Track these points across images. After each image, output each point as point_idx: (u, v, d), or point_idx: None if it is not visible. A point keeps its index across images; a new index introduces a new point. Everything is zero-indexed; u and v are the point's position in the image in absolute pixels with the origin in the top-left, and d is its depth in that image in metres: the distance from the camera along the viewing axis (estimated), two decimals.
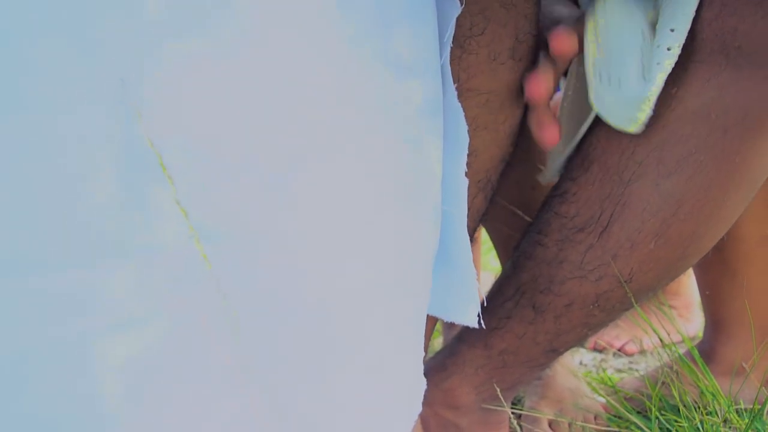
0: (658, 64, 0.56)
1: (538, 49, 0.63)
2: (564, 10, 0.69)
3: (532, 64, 0.62)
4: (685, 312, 1.12)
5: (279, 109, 0.41)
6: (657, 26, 0.58)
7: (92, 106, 0.38)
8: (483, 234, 1.05)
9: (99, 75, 0.38)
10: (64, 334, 0.38)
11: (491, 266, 1.48)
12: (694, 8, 0.56)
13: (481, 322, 0.53)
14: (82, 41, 0.38)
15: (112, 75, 0.38)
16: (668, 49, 0.56)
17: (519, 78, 0.61)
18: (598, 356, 1.06)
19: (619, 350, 1.06)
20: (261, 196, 0.41)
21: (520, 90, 0.61)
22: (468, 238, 0.53)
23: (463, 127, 0.52)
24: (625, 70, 0.58)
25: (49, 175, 0.38)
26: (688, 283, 1.11)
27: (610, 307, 0.64)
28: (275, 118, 0.41)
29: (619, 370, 1.01)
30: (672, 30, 0.56)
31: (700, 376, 0.76)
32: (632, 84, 0.58)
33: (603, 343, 1.07)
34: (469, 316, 0.53)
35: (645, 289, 0.64)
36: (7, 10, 0.37)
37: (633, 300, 0.63)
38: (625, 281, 0.62)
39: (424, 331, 0.51)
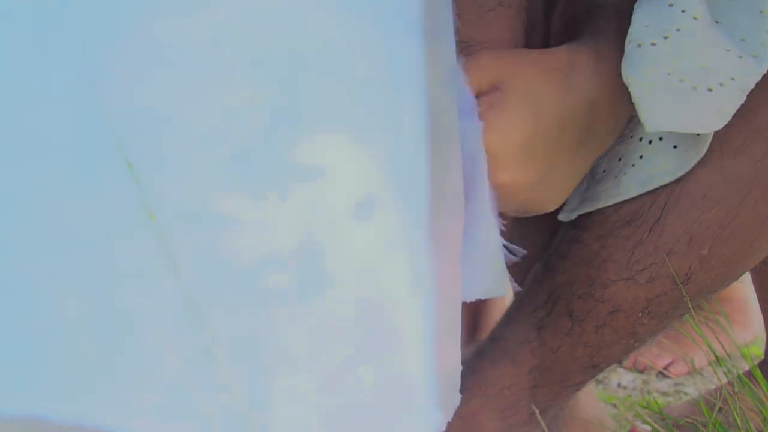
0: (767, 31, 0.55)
1: None
2: None
3: (525, 12, 0.62)
4: (739, 317, 1.06)
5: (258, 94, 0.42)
6: None
7: (57, 92, 0.40)
8: None
9: (64, 63, 0.39)
10: None
11: None
12: None
13: (515, 285, 0.54)
14: (49, 29, 0.39)
15: (78, 64, 0.39)
16: None
17: (510, 27, 0.60)
18: (640, 377, 1.03)
19: (663, 370, 1.01)
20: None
21: (513, 44, 0.61)
22: (489, 207, 0.53)
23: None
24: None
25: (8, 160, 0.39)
26: (738, 283, 1.03)
27: (662, 313, 0.61)
28: (246, 101, 0.42)
29: (665, 393, 0.98)
30: None
31: (764, 399, 0.70)
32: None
33: (645, 362, 1.02)
34: (499, 289, 0.52)
35: (704, 290, 0.61)
36: None
37: (690, 305, 0.61)
38: (682, 282, 0.59)
39: (459, 339, 0.50)
